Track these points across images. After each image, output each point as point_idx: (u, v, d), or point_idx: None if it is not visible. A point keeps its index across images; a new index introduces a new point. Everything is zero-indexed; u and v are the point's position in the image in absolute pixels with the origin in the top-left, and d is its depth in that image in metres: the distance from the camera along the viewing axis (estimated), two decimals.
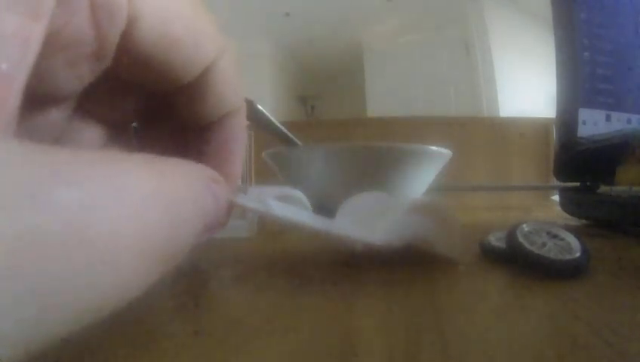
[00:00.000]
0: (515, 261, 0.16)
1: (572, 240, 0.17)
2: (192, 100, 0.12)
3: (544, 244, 0.16)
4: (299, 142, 0.35)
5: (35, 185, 0.06)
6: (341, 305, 0.12)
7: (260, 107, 0.32)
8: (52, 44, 0.08)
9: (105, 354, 0.09)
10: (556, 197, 0.40)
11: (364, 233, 0.15)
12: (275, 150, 0.34)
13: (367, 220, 0.17)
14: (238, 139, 0.13)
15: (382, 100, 2.99)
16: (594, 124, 0.36)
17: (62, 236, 0.06)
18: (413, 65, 2.89)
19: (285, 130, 0.34)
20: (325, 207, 0.17)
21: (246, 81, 0.13)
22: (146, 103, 0.13)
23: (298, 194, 0.19)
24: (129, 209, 0.07)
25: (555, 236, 0.17)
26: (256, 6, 2.53)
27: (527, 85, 2.41)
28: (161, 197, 0.08)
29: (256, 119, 0.32)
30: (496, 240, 0.19)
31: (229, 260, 0.20)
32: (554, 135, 0.39)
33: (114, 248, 0.07)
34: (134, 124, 0.14)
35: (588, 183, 0.34)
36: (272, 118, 0.33)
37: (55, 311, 0.06)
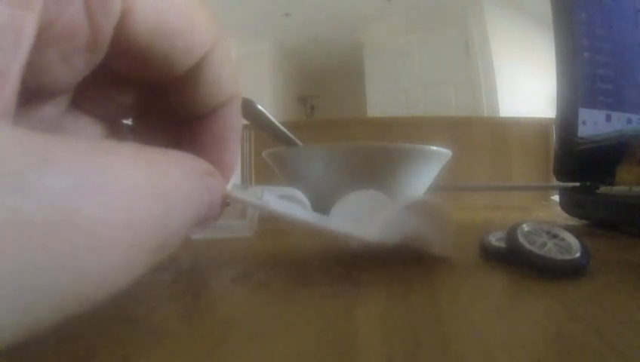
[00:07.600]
0: (515, 261, 0.16)
1: (572, 240, 0.17)
2: (187, 90, 0.12)
3: (544, 244, 0.16)
4: (299, 142, 0.35)
5: (23, 170, 0.06)
6: (341, 305, 0.12)
7: (260, 107, 0.32)
8: (45, 37, 0.08)
9: (104, 355, 0.09)
10: (556, 197, 0.40)
11: (359, 230, 0.15)
12: (275, 150, 0.34)
13: (361, 218, 0.17)
14: (235, 127, 0.13)
15: (382, 100, 3.00)
16: (594, 124, 0.36)
17: (48, 222, 0.06)
18: (414, 66, 2.90)
19: (285, 130, 0.34)
20: (325, 207, 0.17)
21: (246, 81, 0.13)
22: (141, 97, 0.13)
23: (298, 194, 0.19)
24: (119, 197, 0.07)
25: (555, 236, 0.17)
26: (256, 6, 2.53)
27: (527, 85, 2.41)
28: (153, 188, 0.08)
29: (256, 119, 0.32)
30: (496, 240, 0.19)
31: (228, 260, 0.20)
32: (554, 135, 0.39)
33: (102, 237, 0.06)
34: (128, 121, 0.14)
35: (588, 183, 0.34)
36: (272, 118, 0.33)
37: (41, 298, 0.06)
